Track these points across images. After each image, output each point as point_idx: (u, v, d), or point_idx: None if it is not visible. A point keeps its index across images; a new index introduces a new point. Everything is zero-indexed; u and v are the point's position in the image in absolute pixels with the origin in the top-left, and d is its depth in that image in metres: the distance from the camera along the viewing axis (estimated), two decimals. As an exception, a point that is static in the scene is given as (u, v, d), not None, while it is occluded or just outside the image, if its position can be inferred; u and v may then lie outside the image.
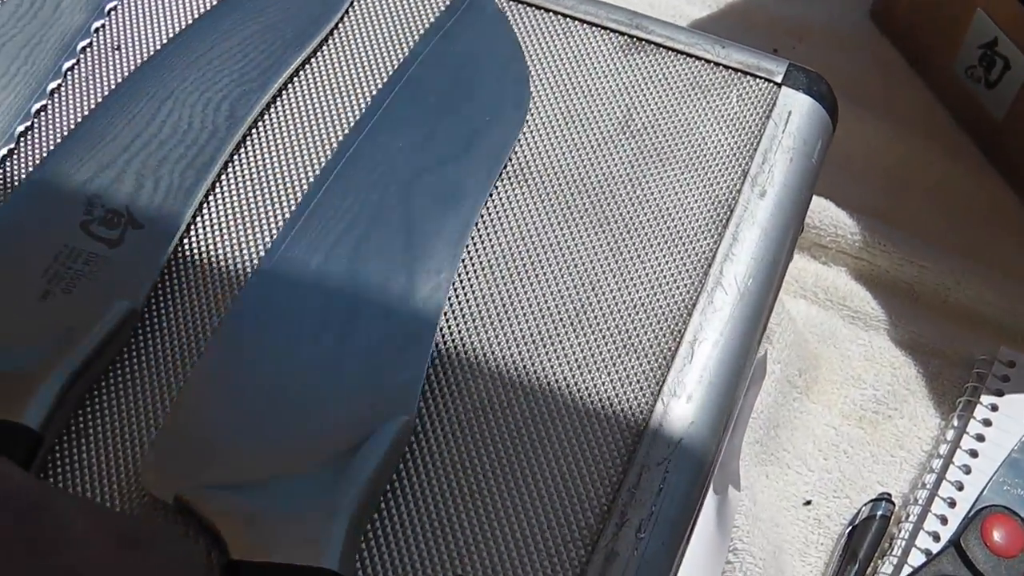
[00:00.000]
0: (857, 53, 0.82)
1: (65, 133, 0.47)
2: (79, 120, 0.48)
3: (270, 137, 0.47)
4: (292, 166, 0.46)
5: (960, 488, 0.61)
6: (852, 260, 0.71)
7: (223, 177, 0.46)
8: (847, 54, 0.82)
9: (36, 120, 0.48)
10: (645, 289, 0.44)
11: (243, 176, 0.46)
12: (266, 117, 0.48)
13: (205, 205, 0.45)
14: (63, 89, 0.49)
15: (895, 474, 0.63)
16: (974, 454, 0.62)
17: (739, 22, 0.82)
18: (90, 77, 0.50)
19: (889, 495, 0.61)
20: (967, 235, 0.73)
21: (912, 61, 0.83)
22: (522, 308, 0.43)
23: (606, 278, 0.44)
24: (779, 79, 0.50)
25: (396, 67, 0.49)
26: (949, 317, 0.69)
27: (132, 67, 0.50)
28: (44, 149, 0.47)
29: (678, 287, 0.44)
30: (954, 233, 0.73)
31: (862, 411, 0.64)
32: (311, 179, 0.46)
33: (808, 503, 0.62)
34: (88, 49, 0.50)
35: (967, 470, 0.61)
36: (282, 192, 0.46)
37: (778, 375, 0.63)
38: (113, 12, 0.52)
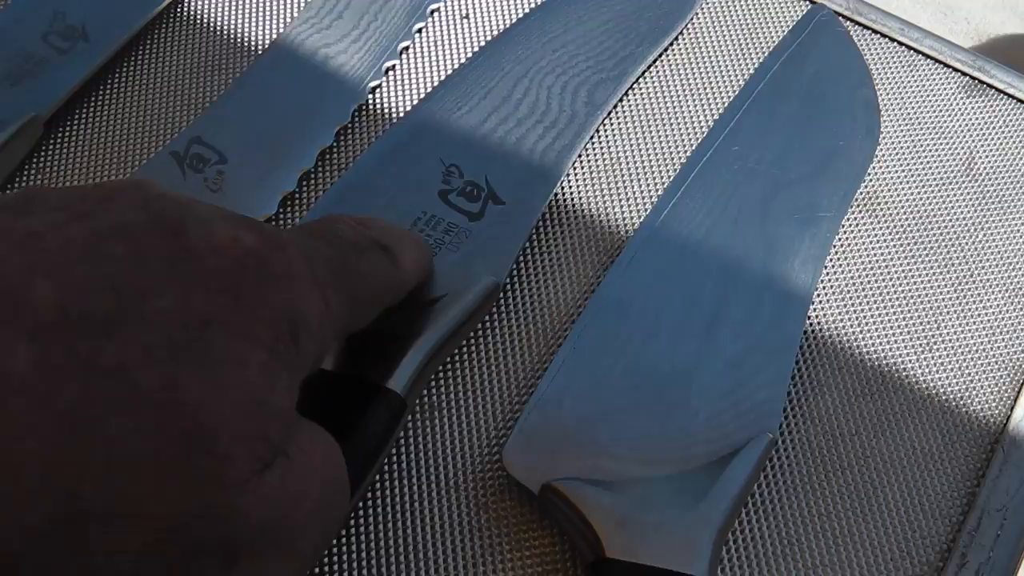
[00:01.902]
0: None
1: (415, 96, 0.50)
2: (430, 85, 0.50)
3: (624, 128, 0.50)
4: (646, 160, 0.49)
5: None
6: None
7: (579, 163, 0.49)
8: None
9: (386, 79, 0.51)
10: (986, 334, 0.46)
11: (599, 165, 0.49)
12: (620, 108, 0.50)
13: (563, 188, 0.48)
14: (411, 51, 0.52)
15: None
16: None
17: (999, 56, 0.84)
18: (438, 42, 0.52)
19: None
20: None
21: None
22: (871, 338, 0.45)
23: (949, 318, 0.46)
24: (1115, 140, 0.52)
25: (744, 79, 0.51)
26: None
27: (478, 38, 0.52)
28: (394, 110, 0.50)
29: (1018, 336, 0.47)
30: None
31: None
32: (666, 177, 0.48)
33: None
34: (436, 13, 0.53)
35: None
36: (638, 185, 0.48)
37: None
38: (461, -21, 0.54)
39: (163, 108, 0.49)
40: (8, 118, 0.47)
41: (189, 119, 0.49)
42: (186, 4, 0.53)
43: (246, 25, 0.52)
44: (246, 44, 0.51)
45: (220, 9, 0.53)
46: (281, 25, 0.52)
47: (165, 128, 0.49)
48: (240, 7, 0.53)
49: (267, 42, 0.51)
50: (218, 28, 0.52)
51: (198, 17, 0.52)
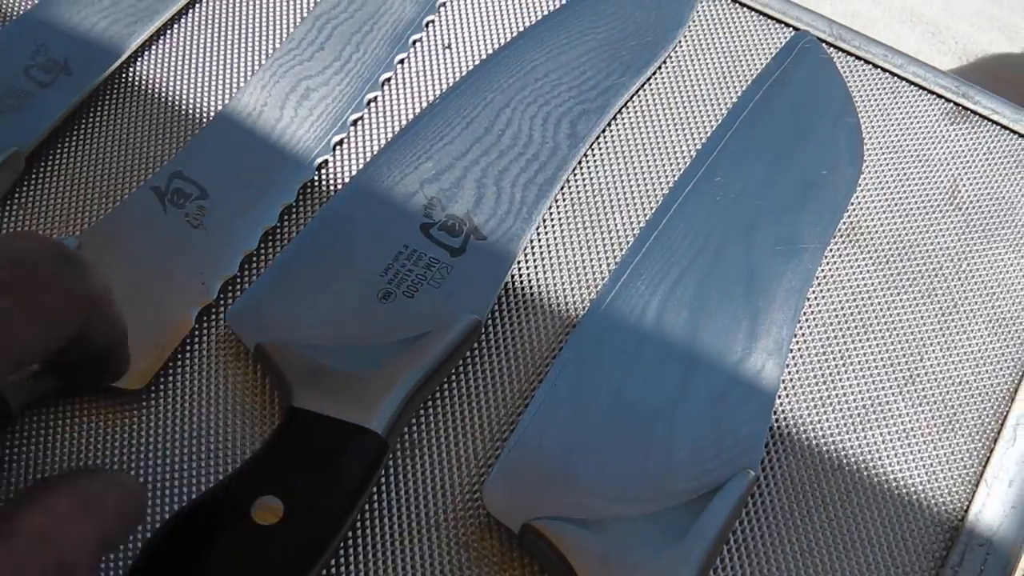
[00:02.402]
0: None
1: (396, 128, 0.50)
2: (412, 116, 0.50)
3: (607, 160, 0.50)
4: (629, 193, 0.49)
5: None
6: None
7: (561, 195, 0.48)
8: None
9: (368, 111, 0.50)
10: (969, 365, 0.46)
11: (581, 198, 0.49)
12: (602, 140, 0.50)
13: (545, 223, 0.48)
14: (393, 82, 0.51)
15: None
16: None
17: (987, 76, 0.83)
18: (421, 73, 0.52)
19: None
20: None
21: None
22: (854, 370, 0.45)
23: (932, 349, 0.46)
24: (1101, 166, 0.52)
25: (727, 107, 0.51)
26: None
27: (462, 67, 0.52)
28: (375, 142, 0.49)
29: (1001, 367, 0.46)
30: None
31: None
32: (649, 209, 0.48)
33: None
34: (419, 43, 0.53)
35: None
36: (620, 218, 0.48)
37: None
38: (443, 8, 0.54)
39: (144, 142, 0.49)
40: (-11, 153, 0.46)
41: (170, 153, 0.49)
42: (168, 37, 0.53)
43: (228, 58, 0.52)
44: (227, 78, 0.51)
45: (202, 43, 0.52)
46: (263, 57, 0.52)
47: (146, 163, 0.49)
48: (222, 41, 0.53)
49: (249, 75, 0.51)
50: (199, 61, 0.52)
51: (179, 51, 0.52)
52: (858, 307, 0.47)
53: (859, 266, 0.48)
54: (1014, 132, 0.53)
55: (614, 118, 0.51)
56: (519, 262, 0.46)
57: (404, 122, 0.50)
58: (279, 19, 0.53)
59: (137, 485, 0.33)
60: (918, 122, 0.52)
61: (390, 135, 0.50)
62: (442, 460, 0.42)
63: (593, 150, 0.50)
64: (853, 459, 0.43)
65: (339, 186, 0.48)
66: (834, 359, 0.45)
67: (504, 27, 0.54)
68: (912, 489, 0.43)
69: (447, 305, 0.44)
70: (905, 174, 0.51)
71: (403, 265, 0.45)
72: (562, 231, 0.48)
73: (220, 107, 0.50)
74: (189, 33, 0.53)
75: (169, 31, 0.53)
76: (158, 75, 0.51)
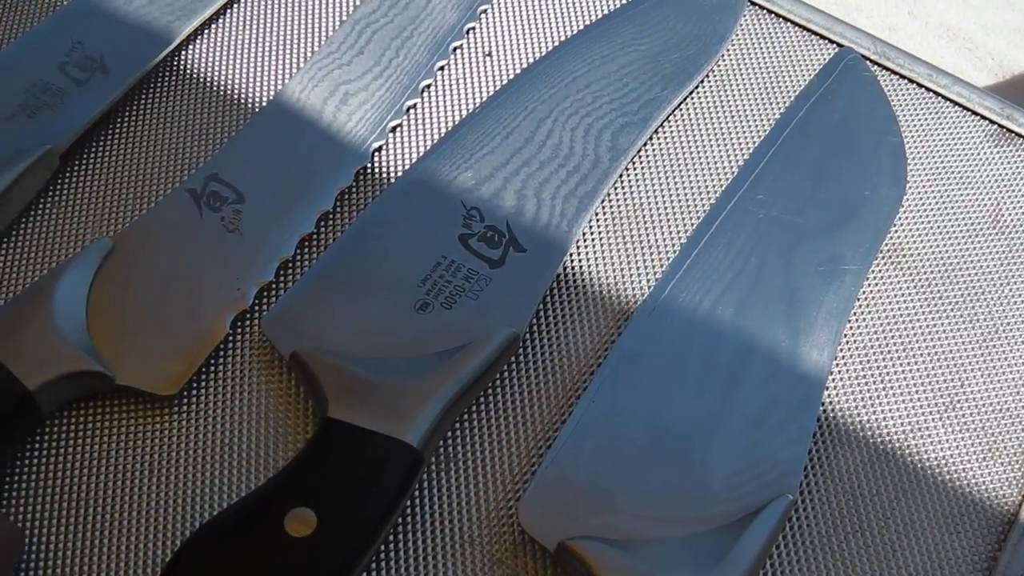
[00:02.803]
0: None
1: (435, 136, 0.50)
2: (452, 124, 0.49)
3: (648, 174, 0.49)
4: (670, 208, 0.48)
5: None
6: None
7: (601, 209, 0.48)
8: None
9: (407, 117, 0.50)
10: (1010, 392, 0.46)
11: (622, 212, 0.48)
12: (643, 153, 0.50)
13: (585, 237, 0.47)
14: (433, 89, 0.51)
15: None
16: None
17: (1022, 92, 0.83)
18: (460, 80, 0.52)
19: None
20: None
21: None
22: (894, 395, 0.45)
23: (974, 375, 0.46)
24: None
25: (770, 123, 0.51)
26: None
27: (502, 76, 0.51)
28: (414, 149, 0.49)
29: (1043, 396, 0.46)
30: None
31: None
32: (689, 225, 0.48)
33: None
34: (459, 50, 0.52)
35: None
36: (661, 234, 0.48)
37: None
38: (484, 15, 0.53)
39: (181, 143, 0.49)
40: (24, 150, 0.46)
41: (207, 155, 0.48)
42: (205, 37, 0.52)
43: (265, 60, 0.51)
44: (265, 79, 0.51)
45: (240, 43, 0.52)
46: (301, 60, 0.51)
47: (182, 164, 0.48)
48: (260, 42, 0.52)
49: (287, 77, 0.51)
50: (237, 62, 0.52)
51: (217, 51, 0.52)
52: (899, 330, 0.46)
53: (901, 289, 0.47)
54: (1059, 156, 0.52)
55: (656, 131, 0.50)
56: (559, 275, 0.46)
57: (444, 130, 0.50)
58: (318, 21, 0.53)
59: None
60: (961, 143, 0.52)
61: (429, 143, 0.49)
62: (477, 475, 0.42)
63: (635, 163, 0.50)
64: (891, 485, 0.43)
65: (377, 193, 0.48)
66: (874, 383, 0.45)
67: (546, 36, 0.53)
68: (951, 516, 0.43)
69: (485, 318, 0.43)
70: (948, 196, 0.50)
71: (441, 276, 0.44)
72: (602, 245, 0.47)
73: (258, 109, 0.50)
74: (227, 33, 0.52)
75: (206, 31, 0.53)
76: (195, 75, 0.51)
